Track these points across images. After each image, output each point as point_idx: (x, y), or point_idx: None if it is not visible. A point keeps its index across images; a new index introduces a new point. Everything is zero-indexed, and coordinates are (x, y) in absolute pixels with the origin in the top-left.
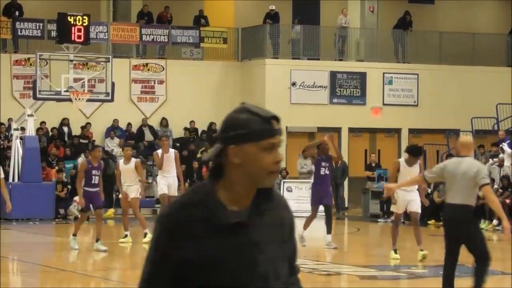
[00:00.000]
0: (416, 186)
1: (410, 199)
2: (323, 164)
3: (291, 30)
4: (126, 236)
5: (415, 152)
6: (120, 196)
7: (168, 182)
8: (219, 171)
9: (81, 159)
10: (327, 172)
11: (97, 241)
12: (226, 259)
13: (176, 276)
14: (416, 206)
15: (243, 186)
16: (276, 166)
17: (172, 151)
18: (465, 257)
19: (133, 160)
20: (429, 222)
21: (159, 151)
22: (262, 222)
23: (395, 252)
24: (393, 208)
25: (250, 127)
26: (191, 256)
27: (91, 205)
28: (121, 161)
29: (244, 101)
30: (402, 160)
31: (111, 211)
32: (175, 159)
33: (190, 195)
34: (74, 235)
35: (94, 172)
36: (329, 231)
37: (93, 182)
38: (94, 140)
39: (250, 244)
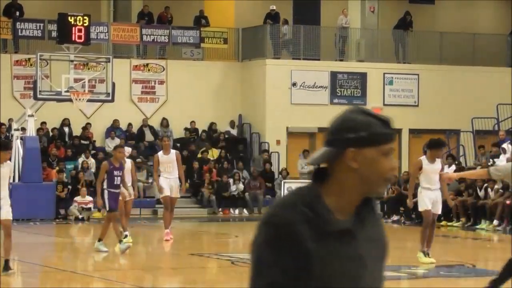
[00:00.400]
0: (439, 186)
1: (434, 199)
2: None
3: (283, 30)
4: (126, 236)
5: (438, 144)
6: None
7: (169, 184)
8: (323, 174)
9: (100, 161)
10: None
11: (99, 240)
12: (332, 267)
13: (292, 277)
14: (438, 207)
15: (354, 192)
16: (391, 172)
17: (173, 151)
18: (466, 257)
19: (128, 160)
20: None
21: (160, 153)
22: (365, 235)
23: (425, 255)
24: (421, 208)
25: (371, 130)
26: (299, 258)
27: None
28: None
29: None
30: (423, 158)
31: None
32: (177, 160)
33: (296, 196)
34: (126, 235)
35: (116, 172)
36: None
37: (115, 183)
38: (94, 141)
39: (356, 256)
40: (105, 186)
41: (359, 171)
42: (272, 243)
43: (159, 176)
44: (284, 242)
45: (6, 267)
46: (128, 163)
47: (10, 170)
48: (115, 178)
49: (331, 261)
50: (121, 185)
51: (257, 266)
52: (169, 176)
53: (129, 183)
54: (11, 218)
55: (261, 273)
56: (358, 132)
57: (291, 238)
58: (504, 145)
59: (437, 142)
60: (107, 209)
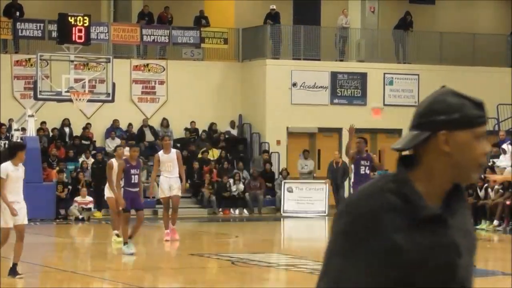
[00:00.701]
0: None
1: None
2: (362, 162)
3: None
4: (118, 235)
5: None
6: (109, 195)
7: (169, 183)
8: (411, 160)
9: (114, 160)
10: (367, 171)
11: (124, 244)
12: (424, 256)
13: (369, 270)
14: None
15: (444, 178)
16: (485, 158)
17: (174, 151)
18: None
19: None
20: None
21: (161, 152)
22: (455, 223)
23: None
24: None
25: (464, 112)
26: (382, 249)
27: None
28: (114, 161)
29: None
30: None
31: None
32: (178, 159)
33: (381, 183)
34: (130, 237)
35: (133, 171)
36: None
37: (133, 181)
38: (95, 141)
39: (450, 244)
40: (122, 184)
41: (451, 155)
42: (352, 233)
43: (159, 175)
44: (366, 232)
45: (14, 271)
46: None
47: (23, 172)
48: (132, 176)
49: (423, 250)
50: (113, 185)
51: (329, 255)
52: (169, 176)
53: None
54: (26, 223)
55: (331, 263)
56: (450, 114)
57: (375, 228)
58: (504, 146)
59: None
60: (123, 210)
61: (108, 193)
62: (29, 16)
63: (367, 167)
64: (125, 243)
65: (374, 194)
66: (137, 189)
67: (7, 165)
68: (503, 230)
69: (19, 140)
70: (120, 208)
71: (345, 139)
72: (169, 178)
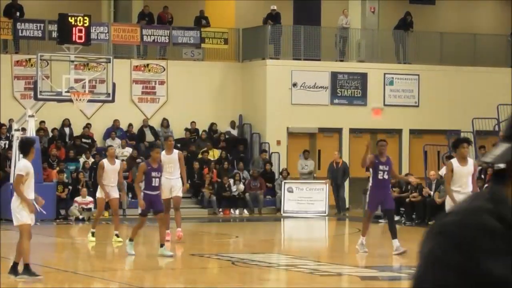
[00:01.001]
0: (470, 189)
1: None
2: (381, 167)
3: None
4: (93, 234)
5: (462, 140)
6: (99, 195)
7: (171, 184)
8: (503, 175)
9: (141, 162)
10: (386, 176)
11: (161, 246)
12: None
13: None
14: None
15: None
16: None
17: (176, 151)
18: None
19: (118, 161)
20: (429, 223)
21: (163, 153)
22: None
23: None
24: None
25: None
26: (481, 280)
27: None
28: (105, 161)
29: None
30: (454, 160)
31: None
32: (180, 160)
33: (478, 201)
34: (131, 240)
35: (154, 174)
36: (394, 236)
37: (153, 184)
38: (95, 141)
39: None
40: (142, 187)
41: None
42: (445, 260)
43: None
44: (461, 259)
45: (15, 271)
46: (118, 164)
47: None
48: (153, 179)
49: None
50: (102, 185)
51: (423, 282)
52: (170, 177)
53: (113, 184)
54: (32, 223)
55: None
56: None
57: (472, 254)
58: None
59: (462, 139)
60: (139, 211)
61: (99, 193)
62: (30, 16)
63: (385, 172)
64: (130, 239)
65: (473, 213)
66: (157, 192)
67: (26, 162)
68: None
69: (29, 136)
70: (139, 211)
71: (345, 139)
72: (170, 179)
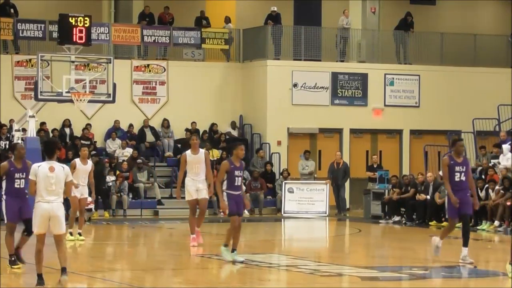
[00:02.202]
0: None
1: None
2: (457, 169)
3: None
4: (71, 234)
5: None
6: (73, 194)
7: (197, 186)
8: None
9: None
10: (463, 178)
11: (232, 251)
12: None
13: None
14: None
15: None
16: None
17: (202, 151)
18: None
19: (89, 161)
20: (430, 223)
21: (188, 152)
22: None
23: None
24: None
25: None
26: None
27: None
28: (77, 161)
29: None
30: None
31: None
32: (206, 160)
33: None
34: (226, 245)
35: (237, 172)
36: (465, 244)
37: (236, 184)
38: (95, 141)
39: None
40: (224, 187)
41: None
42: None
43: (185, 177)
44: None
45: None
46: (89, 165)
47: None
48: (236, 178)
49: None
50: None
51: None
52: (196, 178)
53: (84, 183)
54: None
55: None
56: None
57: None
58: (504, 146)
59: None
60: (228, 213)
61: (73, 192)
62: (30, 16)
63: (462, 173)
64: (233, 249)
65: None
66: (239, 192)
67: (36, 165)
68: (503, 231)
69: (53, 138)
70: (226, 213)
71: (346, 140)
72: (196, 181)
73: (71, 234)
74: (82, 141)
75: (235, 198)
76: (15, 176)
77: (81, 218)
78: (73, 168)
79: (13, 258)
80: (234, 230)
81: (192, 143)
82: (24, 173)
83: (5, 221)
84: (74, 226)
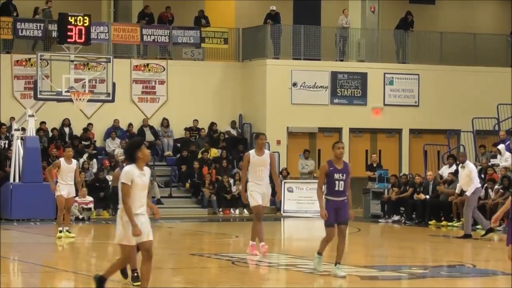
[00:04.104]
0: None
1: None
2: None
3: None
4: (61, 231)
5: None
6: (57, 194)
7: (262, 191)
8: None
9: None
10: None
11: (335, 264)
12: None
13: None
14: None
15: None
16: None
17: (267, 152)
18: (466, 257)
19: (74, 161)
20: (429, 222)
21: (252, 152)
22: None
23: None
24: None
25: None
26: None
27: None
28: (62, 160)
29: None
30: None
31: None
32: (271, 162)
33: None
34: (319, 253)
35: (337, 176)
36: None
37: (337, 188)
38: (95, 141)
39: None
40: (325, 192)
41: None
42: None
43: (247, 181)
44: None
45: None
46: (74, 164)
47: (149, 177)
48: (337, 182)
49: None
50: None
51: None
52: (260, 182)
53: (70, 182)
54: (152, 239)
55: None
56: None
57: None
58: (500, 146)
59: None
60: (325, 223)
61: (58, 192)
62: (30, 16)
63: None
64: (336, 263)
65: None
66: (343, 198)
67: (132, 168)
68: (503, 230)
69: (136, 138)
70: (323, 221)
71: (345, 139)
72: (261, 185)
73: (60, 231)
74: (83, 141)
75: (335, 206)
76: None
77: (67, 216)
78: (57, 167)
79: (135, 274)
80: (329, 242)
81: (259, 142)
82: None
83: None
84: (63, 225)
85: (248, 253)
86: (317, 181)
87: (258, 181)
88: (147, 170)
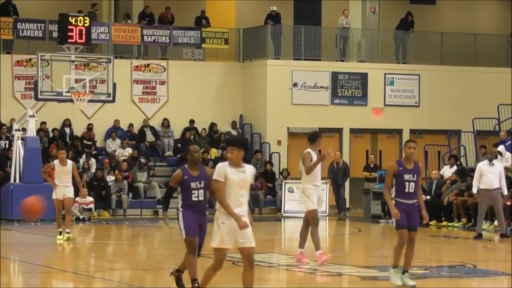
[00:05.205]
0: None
1: None
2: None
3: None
4: (60, 233)
5: None
6: (53, 198)
7: (318, 194)
8: None
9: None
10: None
11: (403, 273)
12: None
13: None
14: None
15: None
16: None
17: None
18: (467, 257)
19: (69, 162)
20: (430, 223)
21: (310, 150)
22: None
23: None
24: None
25: None
26: None
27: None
28: (56, 162)
29: None
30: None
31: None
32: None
33: None
34: (394, 266)
35: (407, 177)
36: None
37: (407, 190)
38: (95, 141)
39: None
40: (393, 195)
41: None
42: None
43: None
44: None
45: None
46: (69, 165)
47: (251, 175)
48: (407, 184)
49: None
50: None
51: None
52: (318, 184)
53: (66, 183)
54: (254, 246)
55: None
56: None
57: None
58: (500, 148)
59: None
60: (395, 225)
61: (54, 195)
62: (30, 16)
63: None
64: (404, 271)
65: None
66: (413, 201)
67: (225, 165)
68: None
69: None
70: (394, 223)
71: (346, 140)
72: (319, 187)
73: (60, 233)
74: (84, 141)
75: (406, 208)
76: (191, 186)
77: (68, 217)
78: (51, 169)
79: (196, 285)
80: (402, 248)
81: (320, 142)
82: (203, 182)
83: (183, 236)
84: (62, 226)
85: (299, 261)
86: None
87: (317, 183)
88: (248, 168)
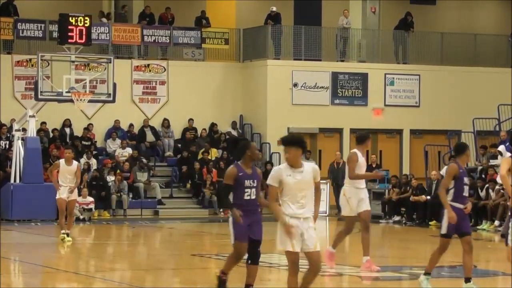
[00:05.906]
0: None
1: None
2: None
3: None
4: (68, 235)
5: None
6: (57, 197)
7: (360, 197)
8: None
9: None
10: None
11: (466, 281)
12: None
13: None
14: None
15: None
16: None
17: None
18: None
19: (75, 162)
20: (430, 223)
21: (356, 151)
22: None
23: None
24: None
25: None
26: None
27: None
28: (62, 162)
29: None
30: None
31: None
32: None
33: None
34: (427, 273)
35: (466, 180)
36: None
37: (465, 193)
38: (95, 141)
39: None
40: (449, 198)
41: None
42: None
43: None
44: None
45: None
46: (74, 166)
47: (310, 176)
48: (465, 187)
49: None
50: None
51: None
52: (361, 186)
53: (70, 184)
54: (319, 250)
55: None
56: None
57: None
58: (501, 148)
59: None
60: (443, 231)
61: (58, 194)
62: (30, 16)
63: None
64: (426, 273)
65: None
66: (464, 206)
67: (279, 168)
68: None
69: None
70: (444, 229)
71: (346, 140)
72: (362, 190)
73: (65, 234)
74: (83, 141)
75: (459, 213)
76: (245, 184)
77: (70, 218)
78: (56, 169)
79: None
80: (441, 255)
81: (368, 144)
82: (255, 181)
83: (232, 241)
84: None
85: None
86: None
87: (359, 185)
88: (307, 166)
